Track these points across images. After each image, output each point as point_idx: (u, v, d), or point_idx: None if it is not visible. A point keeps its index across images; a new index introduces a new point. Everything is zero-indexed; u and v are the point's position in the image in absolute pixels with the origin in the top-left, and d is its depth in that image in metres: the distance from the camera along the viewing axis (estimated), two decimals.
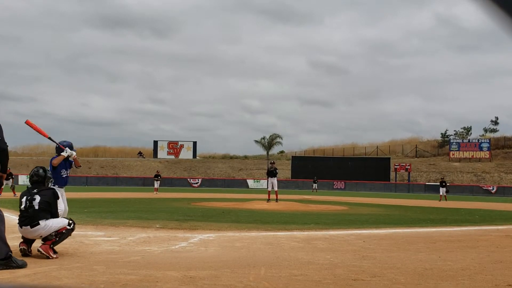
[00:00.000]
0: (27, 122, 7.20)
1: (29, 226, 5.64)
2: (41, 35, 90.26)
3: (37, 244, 5.71)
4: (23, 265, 4.91)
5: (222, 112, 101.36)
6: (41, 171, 6.10)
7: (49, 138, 7.30)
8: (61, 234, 5.72)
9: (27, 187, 6.11)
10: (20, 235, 5.83)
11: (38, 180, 6.03)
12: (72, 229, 5.90)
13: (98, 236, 7.71)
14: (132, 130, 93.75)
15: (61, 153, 7.13)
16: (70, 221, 5.89)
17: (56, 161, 7.11)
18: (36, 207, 5.73)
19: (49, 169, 6.96)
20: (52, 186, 6.41)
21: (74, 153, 7.28)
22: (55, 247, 5.71)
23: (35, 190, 5.90)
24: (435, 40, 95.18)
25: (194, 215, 12.23)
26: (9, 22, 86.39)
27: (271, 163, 19.53)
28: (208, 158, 62.02)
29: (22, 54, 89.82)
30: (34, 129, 7.25)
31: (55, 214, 5.93)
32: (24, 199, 5.84)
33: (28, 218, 5.67)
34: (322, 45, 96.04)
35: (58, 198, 6.06)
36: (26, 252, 5.66)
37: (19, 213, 5.87)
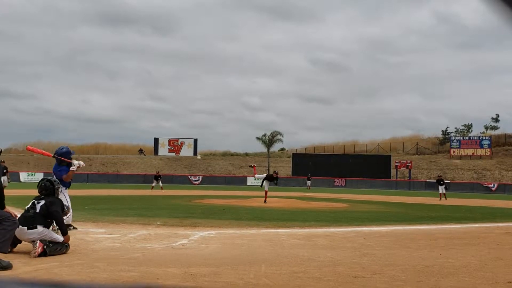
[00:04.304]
0: (27, 148, 7.49)
1: (26, 228, 5.57)
2: (41, 32, 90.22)
3: (22, 247, 5.68)
4: (8, 266, 4.68)
5: (222, 109, 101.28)
6: (48, 184, 6.03)
7: (54, 157, 7.53)
8: (54, 243, 5.55)
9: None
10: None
11: (47, 193, 5.96)
12: (66, 247, 5.67)
13: (99, 233, 7.72)
14: (132, 128, 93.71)
15: (71, 168, 7.40)
16: (66, 244, 5.70)
17: (67, 178, 7.42)
18: (37, 210, 5.71)
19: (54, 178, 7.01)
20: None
21: (75, 168, 7.44)
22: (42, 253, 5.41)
23: (42, 196, 5.93)
24: (435, 37, 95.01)
25: (195, 212, 12.25)
26: (9, 19, 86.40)
27: (275, 172, 19.36)
28: (208, 155, 62.01)
29: (22, 51, 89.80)
30: (37, 153, 7.56)
31: (58, 220, 5.80)
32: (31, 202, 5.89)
33: (27, 218, 5.63)
34: (322, 42, 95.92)
35: (63, 209, 6.03)
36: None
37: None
